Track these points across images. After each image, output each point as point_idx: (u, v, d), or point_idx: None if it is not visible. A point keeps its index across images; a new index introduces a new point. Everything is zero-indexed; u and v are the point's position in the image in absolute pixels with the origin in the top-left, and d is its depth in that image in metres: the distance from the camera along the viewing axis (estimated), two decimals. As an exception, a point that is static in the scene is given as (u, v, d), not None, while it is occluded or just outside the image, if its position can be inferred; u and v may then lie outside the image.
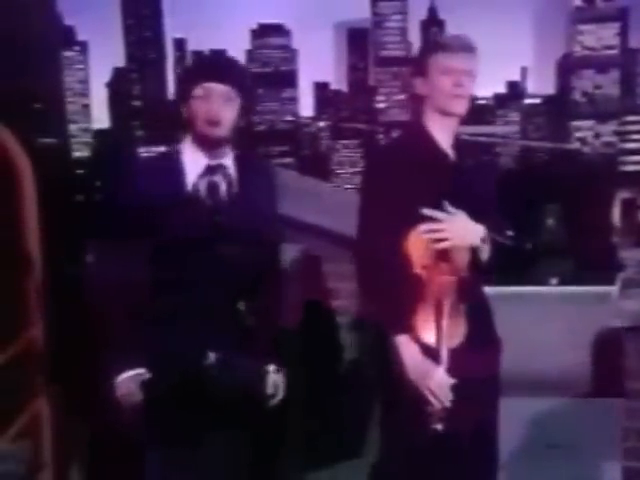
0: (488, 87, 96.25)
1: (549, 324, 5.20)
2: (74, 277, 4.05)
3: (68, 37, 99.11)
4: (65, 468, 3.89)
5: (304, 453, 4.43)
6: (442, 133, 3.24)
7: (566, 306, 5.40)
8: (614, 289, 3.98)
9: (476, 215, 3.17)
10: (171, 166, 3.13)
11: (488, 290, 3.36)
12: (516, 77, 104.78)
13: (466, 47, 3.21)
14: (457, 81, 3.17)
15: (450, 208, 3.10)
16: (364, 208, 3.20)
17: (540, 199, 60.77)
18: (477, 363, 3.13)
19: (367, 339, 3.27)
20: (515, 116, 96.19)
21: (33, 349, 3.62)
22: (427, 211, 3.08)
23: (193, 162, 3.13)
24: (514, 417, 4.57)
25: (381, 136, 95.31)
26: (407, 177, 3.11)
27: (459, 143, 3.28)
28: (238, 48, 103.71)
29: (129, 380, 3.09)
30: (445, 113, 3.21)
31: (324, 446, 4.69)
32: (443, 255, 3.09)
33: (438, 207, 3.09)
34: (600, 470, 4.02)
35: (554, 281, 46.26)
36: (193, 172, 3.12)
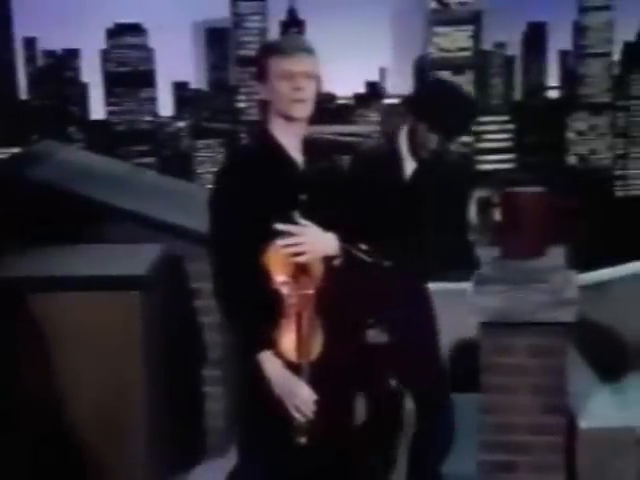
0: (348, 87, 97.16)
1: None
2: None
3: None
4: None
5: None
6: (288, 138, 3.17)
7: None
8: (469, 286, 4.08)
9: (328, 223, 3.15)
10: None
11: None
12: (375, 77, 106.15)
13: (302, 49, 3.14)
14: (296, 85, 3.10)
15: (300, 220, 3.08)
16: (215, 226, 3.13)
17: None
18: (338, 370, 3.13)
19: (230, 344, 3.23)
20: (375, 116, 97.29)
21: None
22: (279, 226, 3.05)
23: None
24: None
25: (242, 135, 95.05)
26: (256, 188, 3.06)
27: (308, 146, 3.21)
28: (93, 47, 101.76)
29: None
30: (287, 118, 3.13)
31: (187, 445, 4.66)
32: (300, 269, 3.08)
33: (289, 217, 3.06)
34: (459, 463, 4.10)
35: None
36: None
